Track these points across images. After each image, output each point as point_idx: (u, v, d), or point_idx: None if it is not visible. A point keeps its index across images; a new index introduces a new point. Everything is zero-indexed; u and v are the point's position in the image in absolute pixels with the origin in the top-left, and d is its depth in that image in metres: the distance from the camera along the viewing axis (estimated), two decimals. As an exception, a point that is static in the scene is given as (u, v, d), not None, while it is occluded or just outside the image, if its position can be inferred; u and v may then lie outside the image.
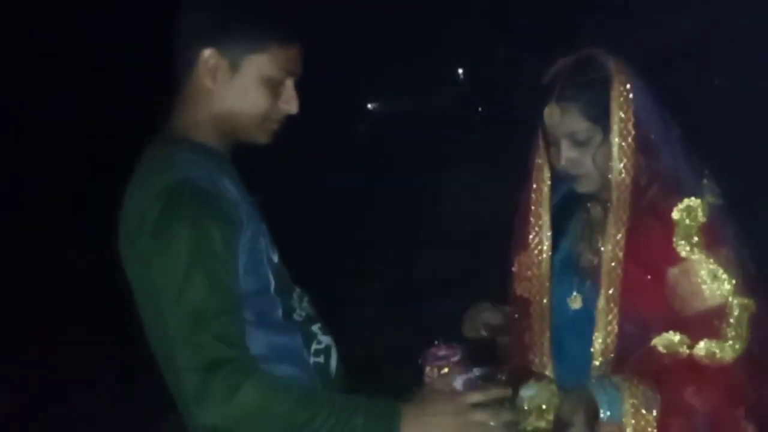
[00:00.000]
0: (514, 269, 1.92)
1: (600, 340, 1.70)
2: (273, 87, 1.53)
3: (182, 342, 1.38)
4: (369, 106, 11.19)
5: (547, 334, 1.81)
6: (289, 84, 1.55)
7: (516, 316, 1.90)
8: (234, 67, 1.50)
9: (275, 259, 1.57)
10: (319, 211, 6.33)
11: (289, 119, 1.56)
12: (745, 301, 1.62)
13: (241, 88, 1.51)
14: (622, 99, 1.65)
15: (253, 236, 1.51)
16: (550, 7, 8.00)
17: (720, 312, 1.62)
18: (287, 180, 6.63)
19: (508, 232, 1.93)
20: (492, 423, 1.46)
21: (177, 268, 1.39)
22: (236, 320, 1.42)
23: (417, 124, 9.17)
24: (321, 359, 1.58)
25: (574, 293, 1.78)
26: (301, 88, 1.54)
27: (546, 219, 1.82)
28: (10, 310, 4.75)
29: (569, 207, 1.84)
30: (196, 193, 1.43)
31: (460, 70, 11.56)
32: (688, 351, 1.63)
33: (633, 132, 1.65)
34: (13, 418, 4.02)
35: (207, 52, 1.50)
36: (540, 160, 1.81)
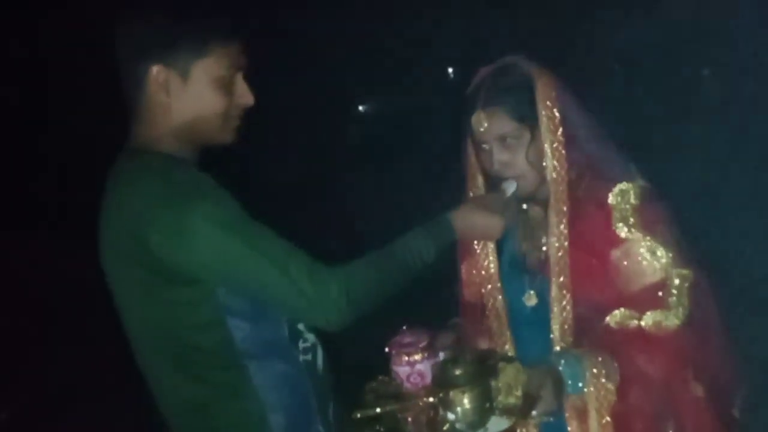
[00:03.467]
0: (463, 276, 2.02)
1: (557, 327, 1.80)
2: (225, 85, 1.57)
3: (284, 280, 1.48)
4: (360, 107, 11.24)
5: (507, 333, 1.91)
6: (239, 78, 1.60)
7: (467, 321, 1.98)
8: (184, 77, 1.55)
9: None
10: (311, 210, 6.40)
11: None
12: (684, 272, 1.74)
13: (195, 94, 1.56)
14: (547, 98, 1.77)
15: None
16: (538, 6, 8.10)
17: (662, 285, 1.74)
18: (278, 180, 6.72)
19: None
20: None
21: (234, 241, 1.48)
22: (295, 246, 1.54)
23: (408, 123, 9.21)
24: (309, 357, 1.66)
25: (529, 291, 1.88)
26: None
27: None
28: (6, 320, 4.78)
29: None
30: (191, 184, 1.51)
31: (450, 69, 11.53)
32: (636, 323, 1.74)
33: (560, 128, 1.77)
34: (14, 426, 4.04)
35: (155, 69, 1.54)
36: (472, 168, 1.91)
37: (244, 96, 1.62)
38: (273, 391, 1.57)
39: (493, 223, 1.78)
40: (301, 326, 1.66)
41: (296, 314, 1.57)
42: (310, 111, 7.97)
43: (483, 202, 1.81)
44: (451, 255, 1.99)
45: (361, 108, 11.16)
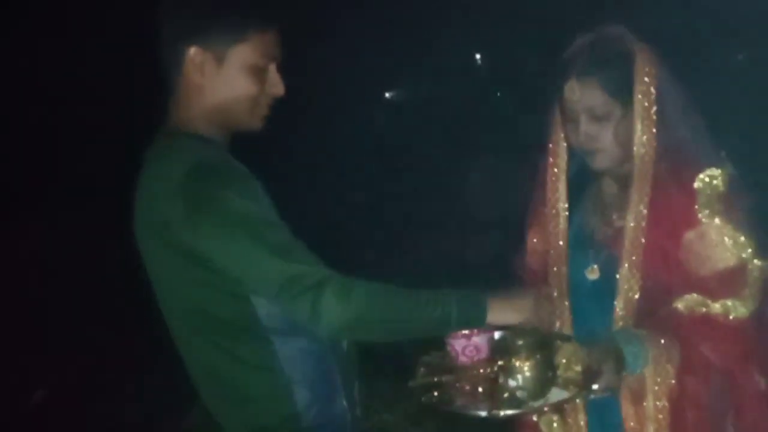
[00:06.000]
0: (529, 243, 2.00)
1: (621, 305, 1.78)
2: (258, 74, 1.61)
3: (283, 279, 1.49)
4: (387, 94, 11.23)
5: (567, 302, 1.89)
6: (273, 68, 1.64)
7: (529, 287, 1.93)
8: (219, 61, 1.59)
9: None
10: (339, 199, 6.40)
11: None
12: (762, 263, 1.71)
13: (228, 79, 1.60)
14: (644, 74, 1.72)
15: None
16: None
17: (737, 272, 1.71)
18: (305, 168, 6.71)
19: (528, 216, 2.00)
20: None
21: (239, 231, 1.49)
22: (305, 248, 1.55)
23: (435, 110, 9.20)
24: None
25: (592, 265, 1.85)
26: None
27: (563, 192, 1.89)
28: (26, 308, 4.85)
29: (580, 184, 1.90)
30: (215, 168, 1.54)
31: (478, 56, 11.55)
32: (705, 310, 1.72)
33: (655, 106, 1.72)
34: (36, 413, 4.14)
35: (192, 50, 1.58)
36: (557, 137, 1.87)
37: (276, 86, 1.65)
38: (297, 366, 1.60)
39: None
40: None
41: (294, 315, 1.56)
42: (336, 99, 7.92)
43: (514, 304, 1.71)
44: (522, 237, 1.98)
45: (388, 95, 11.11)
